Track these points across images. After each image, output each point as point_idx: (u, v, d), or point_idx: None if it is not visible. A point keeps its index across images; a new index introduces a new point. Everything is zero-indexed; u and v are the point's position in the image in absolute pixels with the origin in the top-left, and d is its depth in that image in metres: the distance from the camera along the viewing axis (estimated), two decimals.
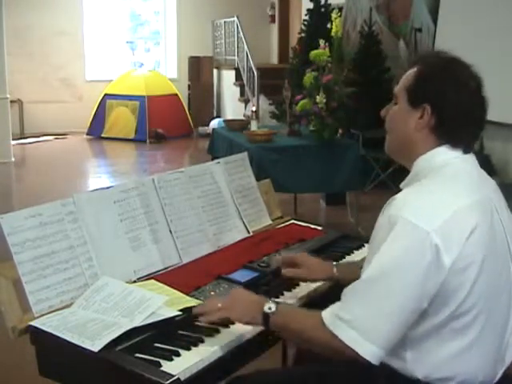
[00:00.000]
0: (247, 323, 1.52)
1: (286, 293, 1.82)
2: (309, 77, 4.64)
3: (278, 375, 1.69)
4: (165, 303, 1.60)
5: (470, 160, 1.47)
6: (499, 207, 1.46)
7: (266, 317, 1.48)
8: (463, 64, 1.46)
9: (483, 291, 1.35)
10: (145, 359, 1.42)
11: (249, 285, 1.82)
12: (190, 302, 1.65)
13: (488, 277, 1.35)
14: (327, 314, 1.38)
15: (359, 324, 1.32)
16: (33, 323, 1.54)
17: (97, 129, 10.23)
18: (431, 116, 1.42)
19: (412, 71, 1.47)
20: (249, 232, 2.22)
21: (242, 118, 7.36)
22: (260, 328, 1.54)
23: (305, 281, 1.83)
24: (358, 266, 1.53)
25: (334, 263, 1.85)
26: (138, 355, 1.43)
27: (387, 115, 1.53)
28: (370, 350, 1.31)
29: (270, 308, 1.48)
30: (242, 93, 9.53)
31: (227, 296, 1.60)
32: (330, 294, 1.84)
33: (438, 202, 1.35)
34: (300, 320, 1.46)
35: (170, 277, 1.82)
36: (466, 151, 1.45)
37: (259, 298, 1.56)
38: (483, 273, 1.34)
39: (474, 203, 1.37)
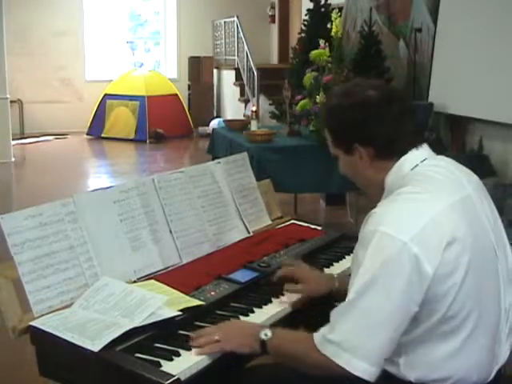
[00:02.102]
0: (246, 353, 1.51)
1: (286, 293, 1.82)
2: (309, 77, 4.64)
3: (280, 369, 1.69)
4: (165, 303, 1.60)
5: (441, 162, 1.48)
6: (480, 204, 1.44)
7: (263, 344, 1.48)
8: (355, 84, 1.52)
9: (470, 292, 1.34)
10: (145, 359, 1.42)
11: (249, 285, 1.82)
12: (190, 302, 1.66)
13: (474, 277, 1.35)
14: (318, 337, 1.38)
15: (349, 344, 1.32)
16: (33, 323, 1.54)
17: (97, 129, 10.23)
18: (367, 150, 1.46)
19: (325, 131, 1.55)
20: (249, 232, 2.22)
21: (242, 117, 7.36)
22: None
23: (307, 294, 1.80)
24: None
25: (336, 275, 1.84)
26: (137, 355, 1.43)
27: (343, 172, 1.59)
28: (362, 368, 1.31)
29: (266, 334, 1.49)
30: (242, 93, 9.53)
31: (222, 326, 1.56)
32: (329, 297, 1.85)
33: (413, 210, 1.35)
34: (294, 343, 1.46)
35: (169, 277, 1.82)
36: (417, 147, 1.46)
37: (254, 326, 1.56)
38: (469, 274, 1.33)
39: (452, 205, 1.36)
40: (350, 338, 1.32)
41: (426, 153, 1.48)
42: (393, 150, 1.46)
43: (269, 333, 1.48)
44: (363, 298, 1.32)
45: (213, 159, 4.05)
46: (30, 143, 9.82)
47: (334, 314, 1.38)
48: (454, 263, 1.31)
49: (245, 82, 9.16)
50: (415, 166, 1.44)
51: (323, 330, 1.38)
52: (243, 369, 1.61)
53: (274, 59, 11.51)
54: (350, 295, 1.35)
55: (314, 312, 1.74)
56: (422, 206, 1.36)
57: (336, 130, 1.51)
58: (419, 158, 1.45)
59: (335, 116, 1.50)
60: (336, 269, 2.02)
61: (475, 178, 1.53)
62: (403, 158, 1.45)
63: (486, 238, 1.42)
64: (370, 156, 1.46)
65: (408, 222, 1.32)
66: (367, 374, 1.31)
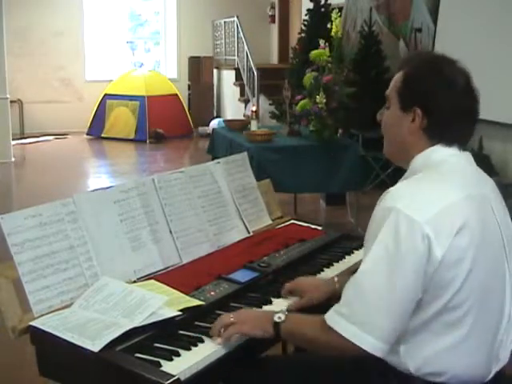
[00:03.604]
0: (259, 336, 1.53)
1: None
2: (309, 77, 4.64)
3: (279, 362, 1.71)
4: (165, 303, 1.60)
5: (467, 158, 1.49)
6: (496, 207, 1.46)
7: (276, 326, 1.50)
8: (449, 61, 1.48)
9: (475, 287, 1.36)
10: (145, 359, 1.42)
11: (249, 285, 1.82)
12: (190, 302, 1.66)
13: (480, 274, 1.36)
14: (328, 312, 1.40)
15: (358, 318, 1.34)
16: (33, 323, 1.54)
17: (97, 129, 10.23)
18: (423, 118, 1.44)
19: (399, 75, 1.50)
20: (249, 232, 2.22)
21: (242, 117, 7.36)
22: None
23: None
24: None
25: (336, 278, 1.83)
26: (138, 355, 1.43)
27: (382, 121, 1.56)
28: (371, 343, 1.32)
29: (279, 317, 1.51)
30: (242, 93, 9.53)
31: (236, 312, 1.60)
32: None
33: (431, 195, 1.37)
34: (306, 324, 1.48)
35: (169, 277, 1.82)
36: (461, 147, 1.47)
37: (267, 311, 1.60)
38: (475, 269, 1.35)
39: (467, 198, 1.38)
40: (361, 312, 1.34)
41: (462, 155, 1.48)
42: (442, 134, 1.45)
43: (282, 316, 1.51)
44: (375, 274, 1.34)
45: (213, 159, 4.05)
46: (30, 143, 9.82)
47: (346, 288, 1.40)
48: (462, 252, 1.33)
49: (245, 82, 9.16)
50: (443, 158, 1.44)
51: (334, 306, 1.40)
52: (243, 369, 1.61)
53: (274, 59, 11.51)
54: (362, 268, 1.37)
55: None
56: (440, 192, 1.38)
57: (411, 83, 1.46)
58: (449, 153, 1.45)
59: (420, 72, 1.46)
60: (336, 269, 2.02)
61: (491, 181, 1.54)
62: (437, 147, 1.45)
63: (497, 237, 1.43)
64: (421, 126, 1.45)
65: (425, 205, 1.34)
66: (376, 350, 1.33)
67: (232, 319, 1.53)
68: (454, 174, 1.43)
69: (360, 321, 1.33)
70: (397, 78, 1.51)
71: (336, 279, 1.81)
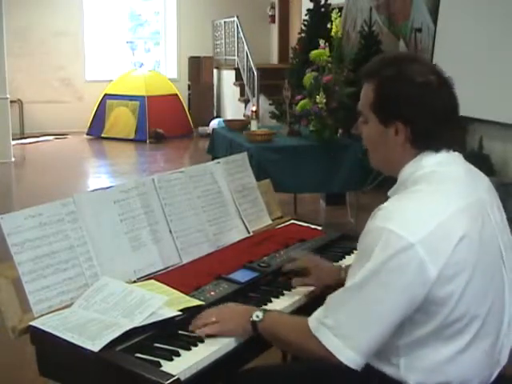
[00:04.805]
0: (240, 335, 1.54)
1: (286, 292, 1.82)
2: (309, 77, 4.64)
3: (278, 371, 1.70)
4: (165, 303, 1.60)
5: (458, 161, 1.45)
6: (490, 208, 1.43)
7: (254, 325, 1.51)
8: (417, 61, 1.44)
9: (475, 297, 1.33)
10: (145, 359, 1.42)
11: (249, 285, 1.82)
12: (190, 302, 1.66)
13: (479, 282, 1.34)
14: (312, 319, 1.40)
15: (341, 331, 1.33)
16: (33, 323, 1.54)
17: (97, 129, 10.24)
18: (406, 130, 1.41)
19: (369, 88, 1.45)
20: (249, 232, 2.22)
21: (242, 117, 7.36)
22: None
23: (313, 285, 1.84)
24: None
25: (344, 266, 1.85)
26: (138, 355, 1.43)
27: (362, 135, 1.51)
28: (350, 357, 1.32)
29: (257, 316, 1.52)
30: (242, 93, 9.53)
31: (218, 308, 1.61)
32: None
33: (423, 211, 1.33)
34: (287, 326, 1.48)
35: (169, 277, 1.82)
36: (449, 150, 1.43)
37: (248, 308, 1.60)
38: (474, 279, 1.32)
39: (462, 210, 1.35)
40: (344, 326, 1.33)
41: (452, 158, 1.44)
42: (429, 141, 1.41)
43: (260, 314, 1.52)
44: (363, 290, 1.32)
45: (213, 159, 4.04)
46: (30, 143, 9.82)
47: (332, 299, 1.39)
48: (460, 266, 1.30)
49: (245, 82, 9.16)
50: (432, 167, 1.40)
51: (318, 314, 1.40)
52: (239, 371, 1.62)
53: (274, 59, 11.52)
54: (350, 283, 1.35)
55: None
56: (434, 207, 1.34)
57: (384, 97, 1.42)
58: (438, 160, 1.41)
59: (391, 84, 1.42)
60: None
61: (486, 179, 1.51)
62: (425, 155, 1.41)
63: (494, 242, 1.41)
64: (405, 137, 1.41)
65: (417, 224, 1.30)
66: (353, 363, 1.32)
67: (214, 318, 1.54)
68: (447, 184, 1.39)
69: (344, 334, 1.33)
70: (367, 91, 1.45)
71: (343, 266, 1.82)
